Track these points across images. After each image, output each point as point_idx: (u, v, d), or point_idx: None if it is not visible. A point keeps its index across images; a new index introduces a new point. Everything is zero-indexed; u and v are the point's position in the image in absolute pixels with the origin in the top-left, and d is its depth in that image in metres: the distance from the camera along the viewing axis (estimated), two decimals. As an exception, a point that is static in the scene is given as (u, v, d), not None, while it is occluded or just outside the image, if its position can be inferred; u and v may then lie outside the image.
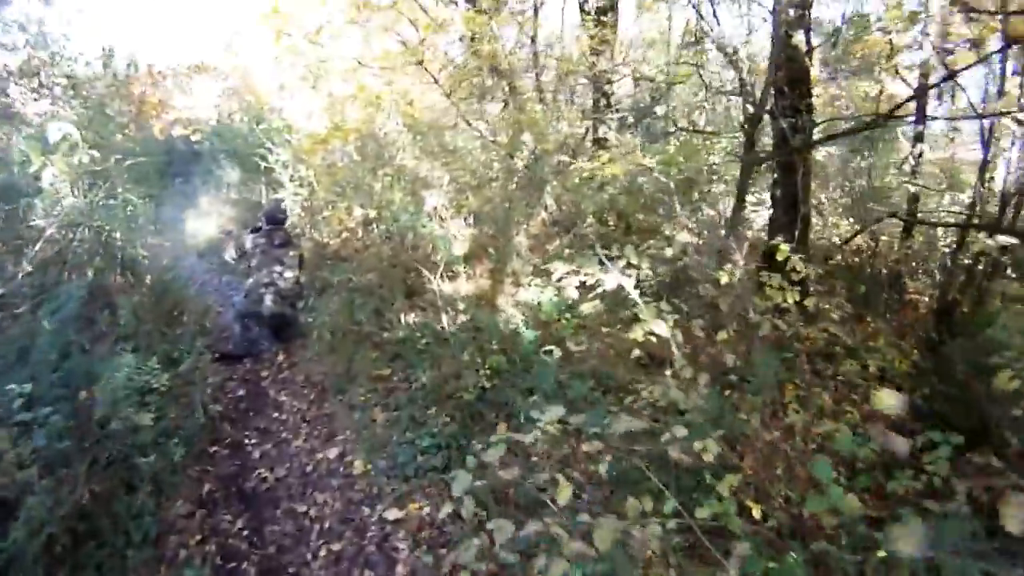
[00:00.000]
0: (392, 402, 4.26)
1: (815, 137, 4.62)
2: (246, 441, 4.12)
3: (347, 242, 6.34)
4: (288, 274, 5.43)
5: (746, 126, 4.61)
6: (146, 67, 6.43)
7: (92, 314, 4.13)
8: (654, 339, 3.33)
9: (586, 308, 4.25)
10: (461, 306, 5.06)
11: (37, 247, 4.00)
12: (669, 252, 4.04)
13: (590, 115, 6.77)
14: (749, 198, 5.40)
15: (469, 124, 6.14)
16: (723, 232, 4.60)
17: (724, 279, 3.36)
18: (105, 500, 3.15)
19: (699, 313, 4.05)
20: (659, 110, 7.67)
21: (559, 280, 4.27)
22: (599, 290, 3.83)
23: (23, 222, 4.12)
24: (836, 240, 5.96)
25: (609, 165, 5.15)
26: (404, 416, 4.06)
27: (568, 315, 4.76)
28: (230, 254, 5.58)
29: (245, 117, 9.56)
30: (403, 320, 5.02)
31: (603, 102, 6.43)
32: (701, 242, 4.54)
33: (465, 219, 6.01)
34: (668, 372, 3.43)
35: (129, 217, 4.86)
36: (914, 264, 5.67)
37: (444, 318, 4.86)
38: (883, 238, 5.72)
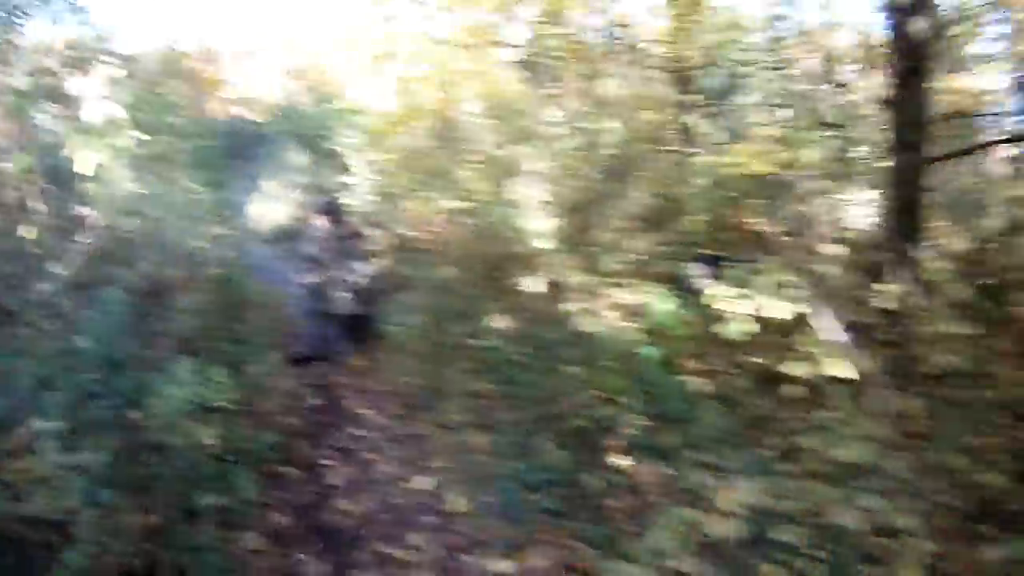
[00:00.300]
0: (491, 423, 3.79)
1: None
2: (324, 463, 3.73)
3: (428, 234, 5.91)
4: (362, 269, 5.05)
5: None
6: (202, 44, 6.10)
7: (145, 315, 3.84)
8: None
9: (734, 328, 3.60)
10: (562, 309, 4.57)
11: (83, 240, 3.72)
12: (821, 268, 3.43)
13: (674, 102, 6.12)
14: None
15: (555, 107, 5.67)
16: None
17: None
18: (162, 533, 2.82)
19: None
20: (744, 98, 6.96)
21: (685, 286, 3.91)
22: (750, 310, 3.27)
23: (66, 212, 3.87)
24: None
25: (752, 159, 4.53)
26: (505, 442, 3.58)
27: (685, 327, 4.16)
28: (302, 247, 5.23)
29: (311, 98, 9.31)
30: (495, 324, 4.56)
31: (685, 88, 5.77)
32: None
33: (552, 210, 5.50)
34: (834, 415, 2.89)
35: (188, 204, 4.56)
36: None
37: (544, 324, 4.39)
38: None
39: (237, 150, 10.59)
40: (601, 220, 5.07)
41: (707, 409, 3.33)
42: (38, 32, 5.12)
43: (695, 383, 3.55)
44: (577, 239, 5.01)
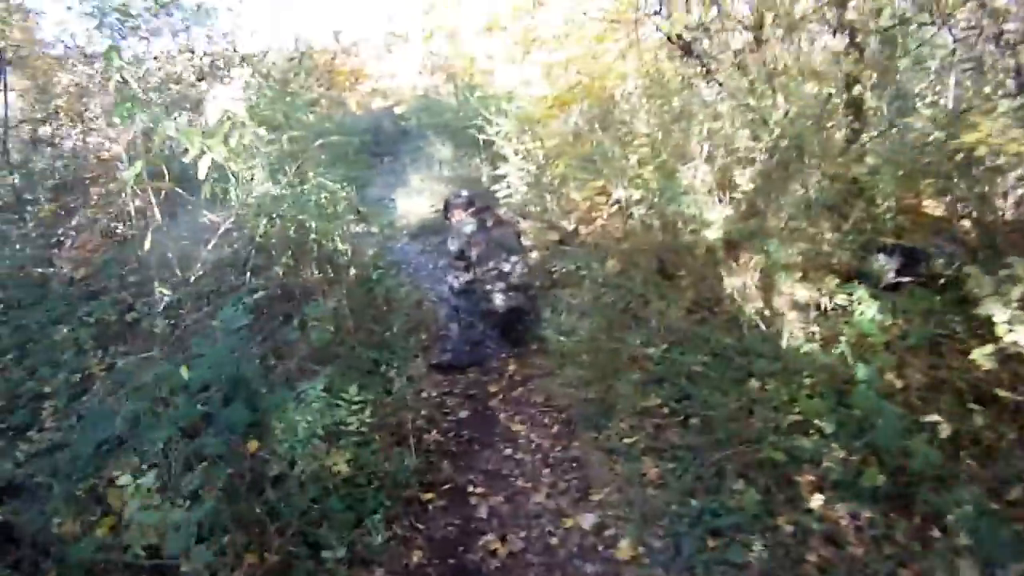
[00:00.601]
0: (665, 448, 3.28)
1: None
2: (470, 488, 3.37)
3: (589, 225, 5.45)
4: (517, 265, 4.67)
5: None
6: (339, 36, 6.05)
7: (275, 324, 3.72)
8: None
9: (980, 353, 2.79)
10: (744, 309, 3.97)
11: (210, 245, 3.65)
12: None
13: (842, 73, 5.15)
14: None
15: (720, 84, 5.09)
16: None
17: None
18: (281, 573, 2.59)
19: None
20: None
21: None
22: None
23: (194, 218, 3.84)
24: None
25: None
26: (683, 472, 3.07)
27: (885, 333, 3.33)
28: (450, 243, 4.96)
29: (454, 87, 9.19)
30: (667, 326, 4.03)
31: (854, 54, 4.79)
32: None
33: (720, 198, 4.82)
34: None
35: (325, 203, 4.43)
36: None
37: (724, 328, 3.86)
38: None
39: (382, 145, 10.86)
40: (776, 206, 4.44)
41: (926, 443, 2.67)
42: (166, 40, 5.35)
43: (908, 405, 2.91)
44: (752, 228, 4.38)
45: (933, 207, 4.37)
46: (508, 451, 3.68)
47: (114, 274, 4.12)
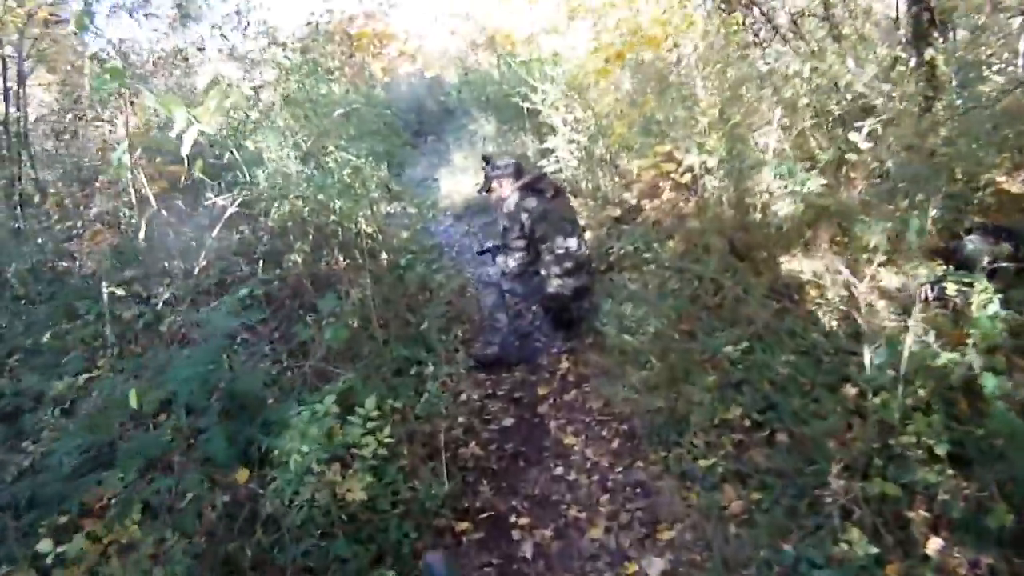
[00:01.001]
0: (749, 472, 2.64)
1: None
2: (512, 518, 2.80)
3: (652, 201, 4.76)
4: (570, 247, 4.02)
5: None
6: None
7: (289, 321, 3.20)
8: None
9: None
10: (833, 297, 3.38)
11: (215, 232, 3.14)
12: None
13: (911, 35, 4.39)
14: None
15: (787, 42, 4.58)
16: None
17: None
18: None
19: None
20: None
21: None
22: None
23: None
24: None
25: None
26: (772, 504, 2.45)
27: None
28: (494, 224, 4.33)
29: (496, 57, 8.49)
30: (745, 318, 3.40)
31: (926, 17, 4.26)
32: None
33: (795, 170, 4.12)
34: None
35: (349, 180, 3.88)
36: None
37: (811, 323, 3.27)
38: None
39: (420, 124, 10.35)
40: (852, 181, 4.03)
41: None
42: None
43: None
44: (828, 203, 3.83)
45: (1009, 183, 3.88)
46: (559, 470, 3.09)
47: (113, 266, 3.67)
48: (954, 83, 3.97)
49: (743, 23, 4.90)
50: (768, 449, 2.73)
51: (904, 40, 4.49)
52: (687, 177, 4.45)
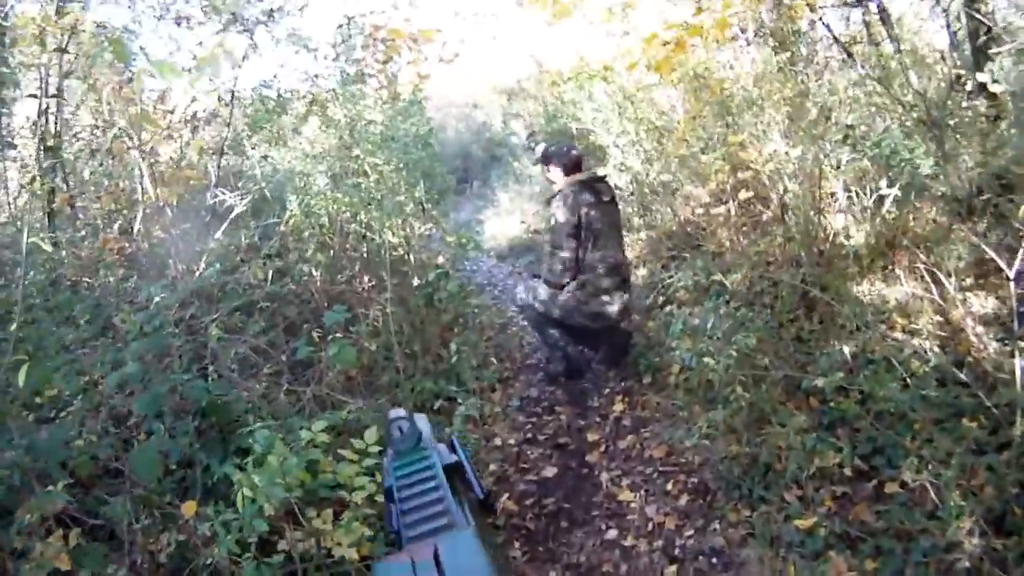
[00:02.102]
0: (858, 535, 2.01)
1: None
2: (555, 595, 2.10)
3: (714, 224, 4.15)
4: (619, 255, 3.45)
5: None
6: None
7: (295, 339, 2.63)
8: None
9: None
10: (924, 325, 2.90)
11: (219, 233, 2.62)
12: None
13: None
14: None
15: (850, 55, 4.17)
16: None
17: None
18: None
19: None
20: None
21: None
22: None
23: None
24: None
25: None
26: None
27: None
28: (539, 247, 3.75)
29: (540, 81, 8.01)
30: (830, 350, 2.76)
31: (982, 31, 3.95)
32: None
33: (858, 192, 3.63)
34: None
35: (375, 187, 3.36)
36: None
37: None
38: None
39: (466, 171, 10.00)
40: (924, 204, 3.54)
41: None
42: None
43: None
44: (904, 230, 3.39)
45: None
46: (612, 533, 2.38)
47: (111, 270, 3.18)
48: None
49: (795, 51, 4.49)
50: (878, 503, 2.11)
51: (956, 60, 4.15)
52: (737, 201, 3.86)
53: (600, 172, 3.87)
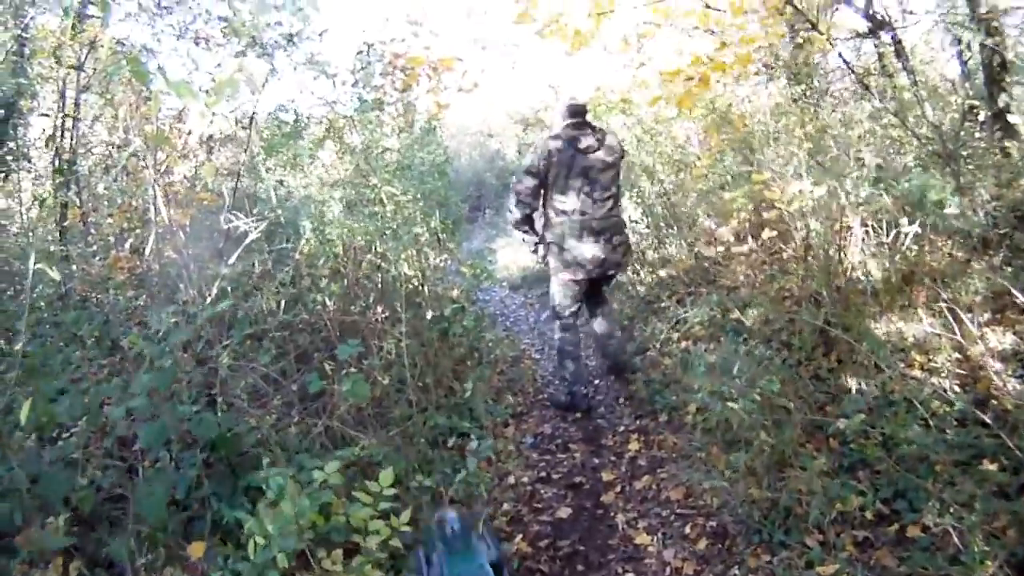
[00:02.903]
0: None
1: None
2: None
3: (734, 258, 4.09)
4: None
5: None
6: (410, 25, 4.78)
7: (308, 372, 2.56)
8: None
9: None
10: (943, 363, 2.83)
11: (232, 258, 2.56)
12: None
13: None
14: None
15: (867, 88, 4.19)
16: None
17: None
18: None
19: None
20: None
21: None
22: None
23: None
24: None
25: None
26: None
27: None
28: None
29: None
30: (849, 389, 2.78)
31: (996, 61, 3.84)
32: None
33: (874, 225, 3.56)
34: None
35: (391, 217, 3.32)
36: None
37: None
38: None
39: (479, 198, 10.00)
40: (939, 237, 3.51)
41: None
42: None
43: None
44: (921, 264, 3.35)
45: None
46: (630, 579, 2.29)
47: (121, 290, 3.12)
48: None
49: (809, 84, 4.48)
50: (901, 548, 2.06)
51: (968, 91, 4.12)
52: (765, 233, 3.80)
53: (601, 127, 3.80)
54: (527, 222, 3.72)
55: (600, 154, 3.50)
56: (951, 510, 2.01)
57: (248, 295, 2.87)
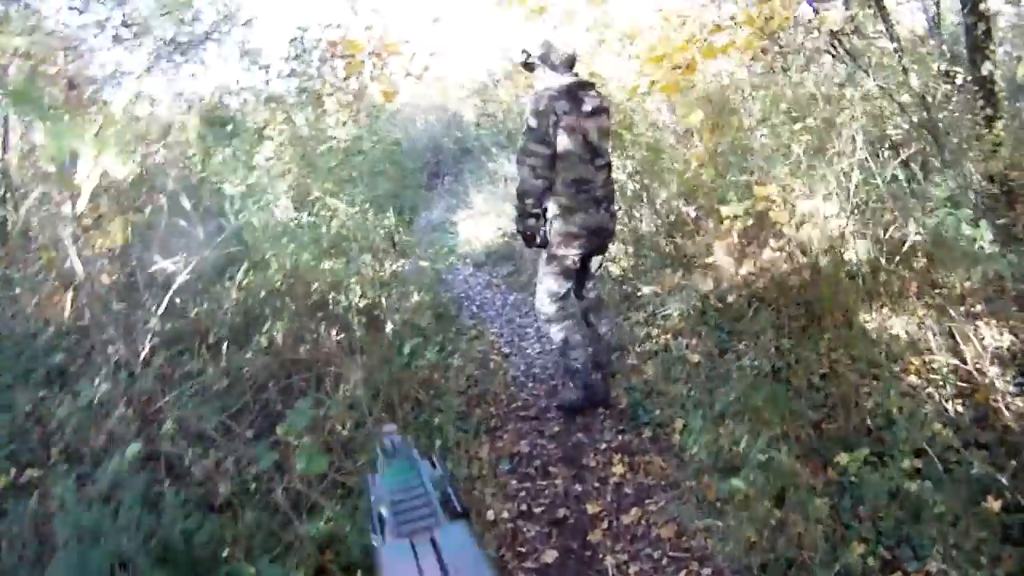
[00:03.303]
0: None
1: None
2: None
3: (731, 260, 3.88)
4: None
5: None
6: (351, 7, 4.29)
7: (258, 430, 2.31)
8: None
9: None
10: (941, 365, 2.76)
11: (162, 308, 2.26)
12: None
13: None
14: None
15: (853, 59, 3.96)
16: None
17: None
18: None
19: None
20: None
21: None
22: None
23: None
24: None
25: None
26: None
27: None
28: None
29: (515, 81, 7.54)
30: (839, 400, 2.72)
31: (981, 28, 3.65)
32: None
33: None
34: None
35: (345, 234, 3.02)
36: None
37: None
38: None
39: (437, 164, 9.59)
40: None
41: None
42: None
43: None
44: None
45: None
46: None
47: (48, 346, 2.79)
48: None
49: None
50: None
51: (948, 54, 4.03)
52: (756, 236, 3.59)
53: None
54: (539, 207, 3.21)
55: (603, 118, 3.22)
56: (953, 553, 1.96)
57: (185, 351, 2.57)
